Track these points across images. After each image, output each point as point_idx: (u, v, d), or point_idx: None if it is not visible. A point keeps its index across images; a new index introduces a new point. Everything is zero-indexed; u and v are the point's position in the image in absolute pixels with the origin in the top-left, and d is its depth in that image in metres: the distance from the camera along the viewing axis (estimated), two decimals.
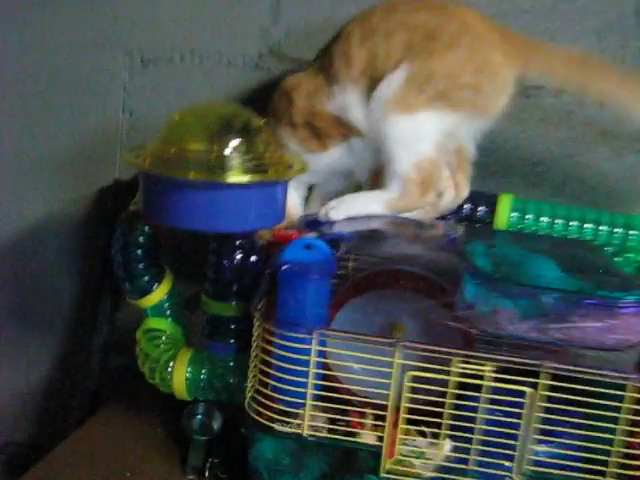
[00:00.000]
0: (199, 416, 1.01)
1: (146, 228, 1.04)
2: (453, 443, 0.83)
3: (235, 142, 0.88)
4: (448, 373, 0.80)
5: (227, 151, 0.87)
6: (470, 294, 0.84)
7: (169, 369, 1.01)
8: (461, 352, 0.80)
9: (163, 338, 1.05)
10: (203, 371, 1.00)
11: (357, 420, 0.88)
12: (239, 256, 0.96)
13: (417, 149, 0.94)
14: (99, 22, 1.24)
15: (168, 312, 1.07)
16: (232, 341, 0.99)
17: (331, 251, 0.88)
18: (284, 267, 0.85)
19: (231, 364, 1.00)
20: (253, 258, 0.97)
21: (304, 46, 1.17)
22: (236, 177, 0.86)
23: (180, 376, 1.00)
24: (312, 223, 1.00)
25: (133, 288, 1.05)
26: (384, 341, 0.81)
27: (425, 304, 0.90)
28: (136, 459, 1.02)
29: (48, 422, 1.40)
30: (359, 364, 0.84)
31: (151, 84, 1.25)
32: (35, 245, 1.34)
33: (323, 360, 0.85)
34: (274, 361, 0.84)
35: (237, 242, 0.96)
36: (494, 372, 0.80)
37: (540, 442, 0.82)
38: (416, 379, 0.81)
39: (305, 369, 0.83)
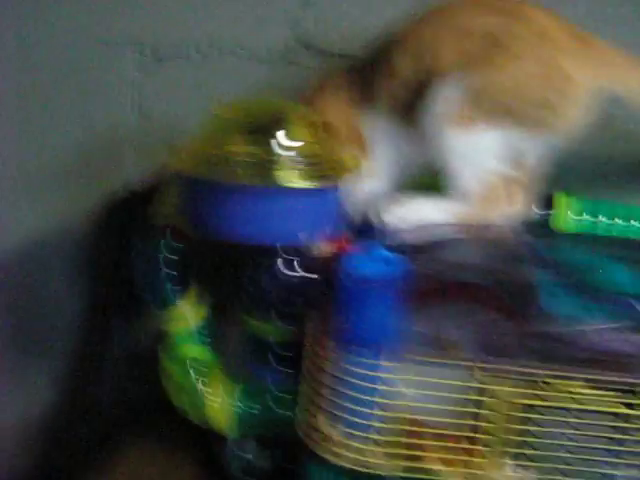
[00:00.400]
0: (247, 455, 0.90)
1: (170, 242, 0.93)
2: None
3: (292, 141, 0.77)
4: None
5: (286, 153, 0.77)
6: (551, 305, 0.75)
7: (213, 402, 0.90)
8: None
9: (199, 367, 0.93)
10: (253, 403, 0.89)
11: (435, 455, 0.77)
12: (288, 270, 0.85)
13: (480, 164, 0.86)
14: (104, 15, 1.11)
15: (201, 337, 0.95)
16: (275, 365, 0.88)
17: (402, 262, 0.77)
18: (350, 281, 0.74)
19: (271, 389, 0.88)
20: (304, 272, 0.86)
21: (337, 36, 1.06)
22: (301, 182, 0.76)
23: (226, 410, 0.89)
24: (364, 229, 0.89)
25: (162, 312, 0.93)
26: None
27: (488, 317, 0.79)
28: None
29: (54, 459, 1.27)
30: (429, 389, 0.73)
31: (165, 82, 1.13)
32: (37, 262, 1.21)
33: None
34: (341, 388, 0.74)
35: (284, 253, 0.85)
36: (583, 391, 0.71)
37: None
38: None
39: (371, 396, 0.73)
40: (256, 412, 0.88)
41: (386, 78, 0.89)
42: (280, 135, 0.77)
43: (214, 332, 0.96)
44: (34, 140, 1.17)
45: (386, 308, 0.74)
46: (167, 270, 0.92)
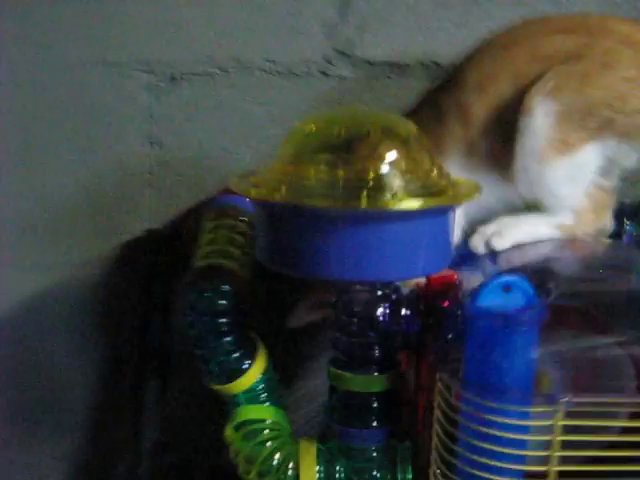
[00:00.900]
0: None
1: (226, 287, 0.79)
2: None
3: (393, 156, 0.64)
4: None
5: (385, 169, 0.64)
6: None
7: (290, 472, 0.75)
8: None
9: (267, 431, 0.78)
10: (338, 468, 0.75)
11: None
12: (385, 311, 0.72)
13: (584, 181, 0.81)
14: (111, 32, 0.97)
15: (265, 395, 0.81)
16: (375, 424, 0.74)
17: (536, 292, 0.65)
18: (488, 317, 0.62)
19: (375, 454, 0.75)
20: (404, 312, 0.73)
21: (382, 43, 0.95)
22: (405, 203, 0.63)
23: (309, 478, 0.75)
24: (467, 256, 0.78)
25: (220, 370, 0.79)
26: None
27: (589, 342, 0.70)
28: None
29: None
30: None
31: (184, 107, 0.99)
32: (41, 325, 1.04)
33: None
34: (483, 443, 0.62)
35: (378, 292, 0.72)
36: None
37: None
38: None
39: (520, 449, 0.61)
40: (344, 477, 0.75)
41: (459, 125, 0.83)
42: (379, 152, 0.65)
43: (276, 386, 0.82)
44: (34, 180, 1.00)
45: (530, 346, 0.63)
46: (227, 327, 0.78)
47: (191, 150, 1.00)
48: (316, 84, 0.98)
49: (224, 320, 0.78)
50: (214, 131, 0.99)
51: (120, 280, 1.02)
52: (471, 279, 0.72)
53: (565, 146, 0.78)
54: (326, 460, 0.75)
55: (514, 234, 0.79)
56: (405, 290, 0.73)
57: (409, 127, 0.69)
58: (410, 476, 0.75)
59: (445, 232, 0.67)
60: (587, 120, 0.78)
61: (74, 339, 1.04)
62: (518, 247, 0.79)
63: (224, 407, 0.86)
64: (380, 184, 0.63)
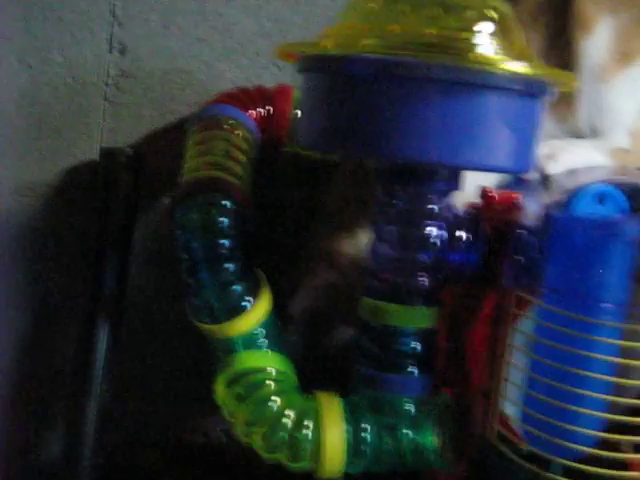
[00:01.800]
0: None
1: (228, 202, 0.64)
2: None
3: (489, 27, 0.52)
4: None
5: (483, 36, 0.51)
6: None
7: (307, 432, 0.60)
8: None
9: (272, 383, 0.63)
10: (366, 426, 0.61)
11: None
12: (440, 231, 0.59)
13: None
14: None
15: (266, 341, 0.66)
16: (416, 370, 0.61)
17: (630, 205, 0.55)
18: (581, 227, 0.52)
19: (411, 409, 0.61)
20: (463, 235, 0.60)
21: None
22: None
23: (335, 439, 0.60)
24: (515, 181, 0.66)
25: (216, 304, 0.63)
26: None
27: None
28: None
29: None
30: None
31: (157, 7, 0.81)
32: None
33: None
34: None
35: (429, 206, 0.58)
36: None
37: None
38: None
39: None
40: (372, 436, 0.61)
41: None
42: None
43: (278, 332, 0.67)
44: None
45: (629, 258, 0.52)
46: (228, 250, 0.63)
47: (161, 61, 0.82)
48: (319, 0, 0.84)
49: (225, 242, 0.63)
50: (191, 40, 0.82)
51: (69, 210, 0.83)
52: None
53: (623, 59, 0.71)
54: (352, 416, 0.61)
55: (568, 158, 0.69)
56: (459, 211, 0.61)
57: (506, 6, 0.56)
58: (451, 437, 0.62)
59: (537, 123, 0.55)
60: None
61: (12, 277, 0.84)
62: (570, 172, 0.69)
63: (200, 363, 0.71)
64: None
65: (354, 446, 0.60)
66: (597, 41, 0.71)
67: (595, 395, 0.51)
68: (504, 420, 0.58)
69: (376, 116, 0.50)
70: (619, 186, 0.55)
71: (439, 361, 0.63)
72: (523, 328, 0.56)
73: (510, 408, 0.57)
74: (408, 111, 0.49)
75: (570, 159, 0.69)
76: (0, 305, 0.84)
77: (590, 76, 0.70)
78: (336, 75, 0.52)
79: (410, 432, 0.61)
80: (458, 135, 0.50)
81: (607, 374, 0.51)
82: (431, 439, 0.62)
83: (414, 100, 0.49)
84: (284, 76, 0.84)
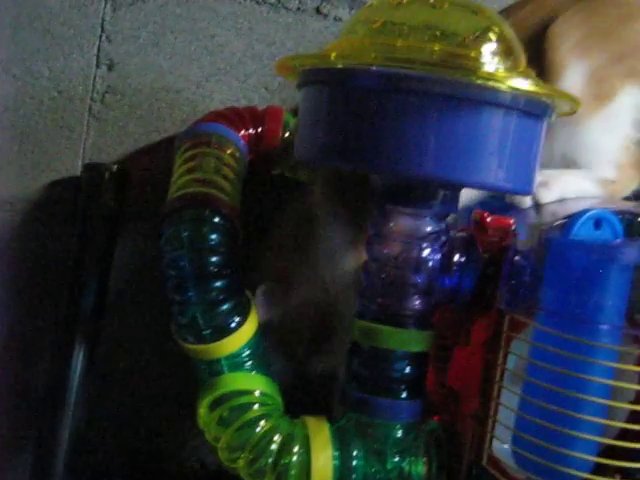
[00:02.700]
0: None
1: (218, 219, 0.63)
2: None
3: (492, 46, 0.52)
4: None
5: (486, 55, 0.51)
6: None
7: (295, 457, 0.58)
8: None
9: (257, 406, 0.62)
10: (355, 452, 0.59)
11: None
12: (435, 254, 0.58)
13: (621, 132, 0.73)
14: None
15: (251, 363, 0.64)
16: (406, 394, 0.59)
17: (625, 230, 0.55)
18: (578, 251, 0.52)
19: (400, 434, 0.60)
20: (458, 258, 0.59)
21: None
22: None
23: (322, 466, 0.58)
24: (508, 208, 0.66)
25: (203, 324, 0.61)
26: None
27: None
28: None
29: None
30: None
31: (147, 24, 0.81)
32: None
33: None
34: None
35: (425, 229, 0.58)
36: None
37: None
38: None
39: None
40: (360, 462, 0.59)
41: None
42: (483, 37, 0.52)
43: (264, 353, 0.65)
44: None
45: (625, 283, 0.52)
46: (220, 268, 0.61)
47: (150, 78, 0.82)
48: (308, 22, 0.84)
49: (216, 259, 0.62)
50: (181, 59, 0.82)
51: (48, 226, 0.81)
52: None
53: (600, 98, 0.71)
54: (340, 441, 0.59)
55: (560, 186, 0.69)
56: (453, 234, 0.61)
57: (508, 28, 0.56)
58: (439, 465, 0.60)
59: (539, 145, 0.55)
60: (615, 70, 0.72)
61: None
62: (561, 201, 0.69)
63: (179, 388, 0.69)
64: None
65: (341, 472, 0.59)
66: (569, 85, 0.71)
67: (591, 419, 0.51)
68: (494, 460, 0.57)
69: (379, 130, 0.49)
70: (614, 212, 0.55)
71: (428, 386, 0.62)
72: (517, 351, 0.56)
73: (503, 432, 0.56)
74: (412, 125, 0.49)
75: (563, 187, 0.69)
76: None
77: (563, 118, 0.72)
78: (340, 88, 0.52)
79: (398, 459, 0.60)
80: (461, 151, 0.50)
81: (603, 397, 0.50)
82: (418, 466, 0.60)
83: (419, 114, 0.48)
84: (273, 99, 0.84)
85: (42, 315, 0.82)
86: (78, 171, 0.81)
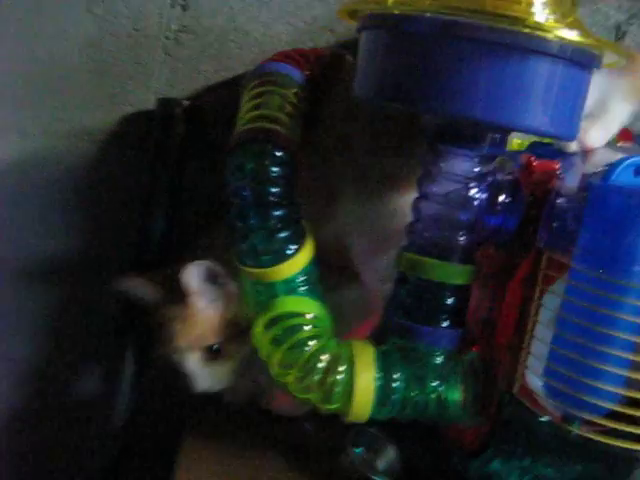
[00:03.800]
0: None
1: (280, 152, 0.67)
2: None
3: None
4: None
5: (537, 5, 0.53)
6: None
7: (340, 376, 0.63)
8: None
9: (309, 328, 0.67)
10: (397, 375, 0.64)
11: None
12: (482, 193, 0.61)
13: None
14: None
15: (305, 288, 0.69)
16: (447, 324, 0.64)
17: None
18: (617, 196, 0.55)
19: (440, 360, 0.64)
20: (503, 198, 0.62)
21: None
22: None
23: (365, 385, 0.63)
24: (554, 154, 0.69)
25: (261, 249, 0.66)
26: None
27: None
28: None
29: None
30: None
31: None
32: (33, 192, 0.88)
33: None
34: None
35: (474, 169, 0.61)
36: None
37: None
38: None
39: None
40: (401, 385, 0.64)
41: None
42: None
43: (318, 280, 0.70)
44: (38, 41, 0.85)
45: None
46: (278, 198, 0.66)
47: (221, 19, 0.86)
48: None
49: (275, 190, 0.66)
50: (251, 1, 0.85)
51: (125, 155, 0.87)
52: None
53: None
54: (384, 365, 0.64)
55: (607, 130, 0.70)
56: (500, 175, 0.64)
57: None
58: (462, 396, 0.65)
59: (584, 93, 0.58)
60: None
61: (67, 216, 0.88)
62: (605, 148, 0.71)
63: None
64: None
65: (383, 392, 0.63)
66: None
67: (620, 354, 0.54)
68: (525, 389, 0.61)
69: (431, 73, 0.52)
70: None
71: (469, 318, 0.66)
72: (556, 290, 0.59)
73: (536, 364, 0.59)
74: (463, 70, 0.51)
75: (608, 129, 0.70)
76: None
77: None
78: (396, 32, 0.55)
79: (437, 384, 0.64)
80: (509, 96, 0.52)
81: (632, 334, 0.54)
82: (457, 393, 0.64)
83: (469, 60, 0.51)
84: (337, 42, 0.87)
85: (114, 240, 0.88)
86: (152, 105, 0.87)
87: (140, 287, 0.75)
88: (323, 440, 0.74)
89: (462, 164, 0.61)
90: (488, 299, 0.66)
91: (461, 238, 0.62)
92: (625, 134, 0.75)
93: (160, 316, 0.74)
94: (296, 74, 0.76)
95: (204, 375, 0.73)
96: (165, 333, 0.73)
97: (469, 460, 0.66)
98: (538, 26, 0.51)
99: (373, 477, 0.66)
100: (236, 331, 0.72)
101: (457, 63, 0.52)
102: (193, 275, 0.72)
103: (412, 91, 0.55)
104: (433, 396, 0.64)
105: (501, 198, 0.62)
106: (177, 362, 0.73)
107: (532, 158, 0.63)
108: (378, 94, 0.58)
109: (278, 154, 0.67)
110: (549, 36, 0.51)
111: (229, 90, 0.84)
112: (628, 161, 0.56)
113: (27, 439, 0.95)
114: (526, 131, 0.60)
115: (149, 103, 0.87)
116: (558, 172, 0.62)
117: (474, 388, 0.64)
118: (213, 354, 0.72)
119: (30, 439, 0.95)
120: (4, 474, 0.97)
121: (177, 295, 0.73)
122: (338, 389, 0.63)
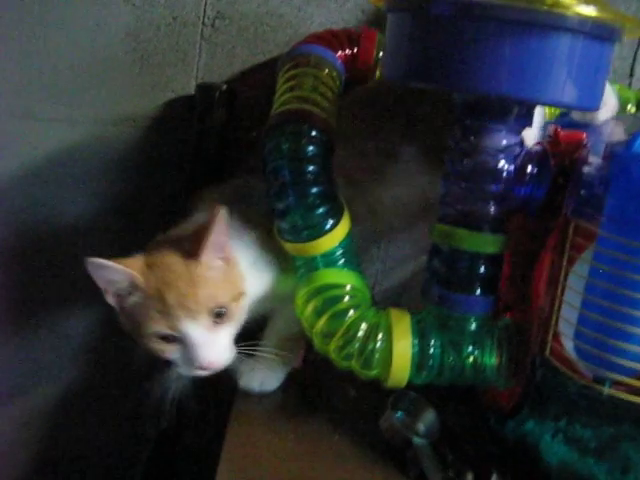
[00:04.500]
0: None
1: (316, 132, 0.69)
2: None
3: None
4: None
5: None
6: None
7: (379, 343, 0.67)
8: None
9: (348, 298, 0.70)
10: (432, 341, 0.67)
11: None
12: (510, 164, 0.64)
13: None
14: None
15: (344, 260, 0.72)
16: (479, 291, 0.66)
17: None
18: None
19: (474, 327, 0.67)
20: (530, 169, 0.65)
21: None
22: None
23: (402, 352, 0.66)
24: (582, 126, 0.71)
25: (301, 226, 0.69)
26: None
27: None
28: None
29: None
30: None
31: None
32: (77, 178, 0.93)
33: None
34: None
35: (501, 142, 0.63)
36: None
37: None
38: None
39: None
40: (437, 351, 0.67)
41: None
42: None
43: (355, 253, 0.73)
44: (83, 29, 0.89)
45: None
46: (313, 176, 0.69)
47: (254, 4, 0.89)
48: None
49: (312, 168, 0.69)
50: None
51: (168, 139, 0.91)
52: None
53: None
54: (420, 331, 0.67)
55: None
56: (528, 147, 0.66)
57: None
58: (498, 360, 0.67)
59: (605, 65, 0.60)
60: None
61: (105, 199, 0.93)
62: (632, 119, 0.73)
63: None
64: None
65: (420, 358, 0.67)
66: None
67: None
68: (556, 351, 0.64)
69: (456, 52, 0.55)
70: None
71: (502, 285, 0.68)
72: (584, 257, 0.61)
73: (567, 328, 0.62)
74: (486, 49, 0.54)
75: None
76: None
77: None
78: (421, 15, 0.58)
79: (472, 349, 0.67)
80: (532, 71, 0.55)
81: None
82: (491, 357, 0.67)
83: (492, 39, 0.54)
84: (368, 21, 0.90)
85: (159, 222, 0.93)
86: (192, 90, 0.90)
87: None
88: (365, 405, 0.77)
89: (491, 137, 0.63)
90: (520, 267, 0.69)
91: (491, 209, 0.65)
92: None
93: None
94: (329, 55, 0.79)
95: (211, 342, 0.68)
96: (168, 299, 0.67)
97: (505, 421, 0.69)
98: (556, 4, 0.53)
99: (413, 439, 0.69)
100: (237, 294, 0.71)
101: (480, 42, 0.54)
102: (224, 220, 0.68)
103: (439, 71, 0.57)
104: (469, 361, 0.67)
105: (529, 169, 0.65)
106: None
107: (559, 129, 0.65)
108: (406, 75, 0.61)
109: (313, 134, 0.69)
110: (568, 12, 0.53)
111: (265, 73, 0.87)
112: None
113: (87, 408, 1.01)
114: (549, 104, 0.62)
115: (190, 89, 0.90)
116: (584, 142, 0.64)
117: (508, 353, 0.67)
118: (219, 318, 0.68)
119: (90, 408, 1.01)
120: (62, 440, 1.03)
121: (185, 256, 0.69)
122: (377, 356, 0.67)
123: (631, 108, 0.82)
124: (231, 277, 0.71)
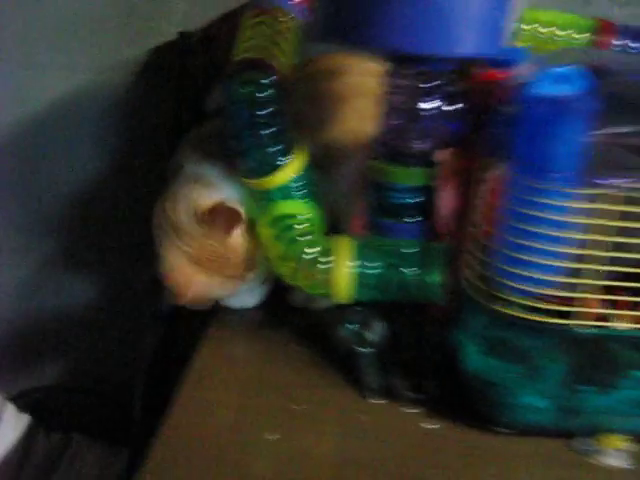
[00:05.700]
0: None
1: (266, 80, 0.77)
2: None
3: None
4: None
5: None
6: None
7: (323, 266, 0.76)
8: None
9: (300, 226, 0.79)
10: (372, 264, 0.76)
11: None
12: (435, 102, 0.71)
13: None
14: None
15: (299, 193, 0.81)
16: (410, 219, 0.75)
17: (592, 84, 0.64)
18: (536, 105, 0.62)
19: (408, 251, 0.76)
20: (454, 106, 0.72)
21: None
22: None
23: (344, 273, 0.75)
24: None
25: (256, 164, 0.78)
26: None
27: None
28: (294, 386, 0.78)
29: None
30: None
31: None
32: (67, 124, 1.03)
33: None
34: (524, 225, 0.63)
35: (429, 84, 0.70)
36: None
37: None
38: None
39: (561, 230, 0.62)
40: (378, 272, 0.75)
41: None
42: None
43: (312, 185, 0.82)
44: None
45: (578, 133, 0.62)
46: (266, 119, 0.77)
47: None
48: None
49: (262, 112, 0.77)
50: None
51: (152, 84, 1.00)
52: None
53: None
54: (361, 255, 0.76)
55: None
56: (454, 87, 0.73)
57: None
58: (440, 278, 0.76)
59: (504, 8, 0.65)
60: None
61: (95, 144, 1.03)
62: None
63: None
64: None
65: (362, 278, 0.76)
66: None
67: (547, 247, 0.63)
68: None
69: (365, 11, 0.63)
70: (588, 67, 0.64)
71: (437, 213, 0.76)
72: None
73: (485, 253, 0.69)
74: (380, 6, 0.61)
75: None
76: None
77: None
78: None
79: (413, 270, 0.75)
80: (425, 26, 0.61)
81: (554, 229, 0.62)
82: (433, 276, 0.75)
83: None
84: None
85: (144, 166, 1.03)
86: (174, 37, 0.98)
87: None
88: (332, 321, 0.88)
89: (414, 80, 0.70)
90: (452, 197, 0.76)
91: (420, 144, 0.72)
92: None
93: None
94: (287, 4, 0.85)
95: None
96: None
97: (441, 331, 0.78)
98: None
99: (359, 348, 0.79)
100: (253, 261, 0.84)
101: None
102: None
103: (351, 31, 0.65)
104: (412, 280, 0.76)
105: (454, 106, 0.71)
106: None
107: (477, 68, 0.71)
108: (326, 35, 0.68)
109: (265, 81, 0.77)
110: None
111: (238, 19, 0.94)
112: (548, 72, 0.63)
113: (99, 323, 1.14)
114: (448, 57, 0.68)
115: (171, 36, 0.98)
116: (505, 81, 0.70)
117: (445, 272, 0.76)
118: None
119: (97, 327, 1.14)
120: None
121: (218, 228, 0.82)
122: (324, 276, 0.76)
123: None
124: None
